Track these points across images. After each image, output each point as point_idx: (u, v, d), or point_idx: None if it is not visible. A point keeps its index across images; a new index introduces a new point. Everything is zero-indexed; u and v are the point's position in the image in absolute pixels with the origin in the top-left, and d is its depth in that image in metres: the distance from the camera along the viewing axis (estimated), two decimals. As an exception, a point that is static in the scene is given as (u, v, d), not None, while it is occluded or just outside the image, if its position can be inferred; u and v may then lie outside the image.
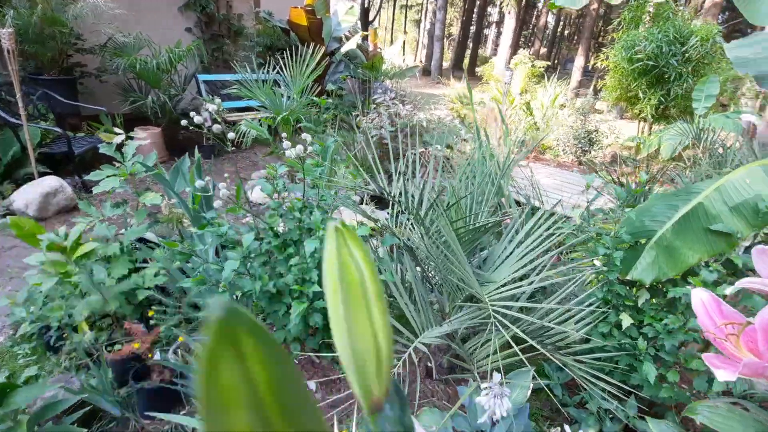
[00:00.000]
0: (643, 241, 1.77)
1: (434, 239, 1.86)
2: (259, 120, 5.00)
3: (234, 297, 1.78)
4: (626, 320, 1.79)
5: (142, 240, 2.66)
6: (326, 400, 2.10)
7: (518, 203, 2.70)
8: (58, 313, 2.03)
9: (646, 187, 4.39)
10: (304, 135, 2.14)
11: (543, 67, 12.12)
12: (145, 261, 2.39)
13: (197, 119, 5.03)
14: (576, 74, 13.77)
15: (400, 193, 2.18)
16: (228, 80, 6.23)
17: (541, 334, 1.77)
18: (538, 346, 1.47)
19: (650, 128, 7.03)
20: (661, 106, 6.24)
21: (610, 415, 1.86)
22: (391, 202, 2.44)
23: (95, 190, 2.02)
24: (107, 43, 4.85)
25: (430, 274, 2.11)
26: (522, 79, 8.26)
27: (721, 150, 4.39)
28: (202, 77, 5.86)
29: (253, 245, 1.77)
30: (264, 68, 4.86)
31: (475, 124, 2.41)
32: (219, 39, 6.73)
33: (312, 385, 2.16)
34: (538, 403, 2.20)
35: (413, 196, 2.20)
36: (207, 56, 5.47)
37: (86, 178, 2.11)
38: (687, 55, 5.75)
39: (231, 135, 2.29)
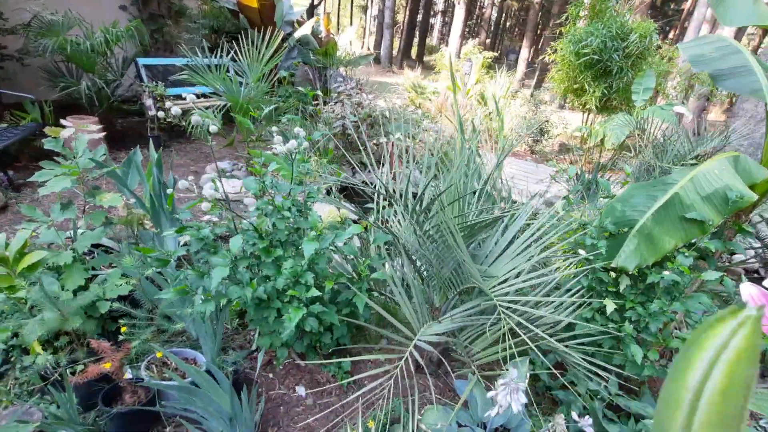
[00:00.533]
0: (625, 230, 1.86)
1: (430, 234, 1.83)
2: (213, 109, 4.67)
3: (218, 305, 1.64)
4: (610, 305, 1.88)
5: (95, 245, 2.39)
6: (318, 405, 2.02)
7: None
8: (4, 335, 1.76)
9: (599, 175, 4.66)
10: (274, 128, 2.00)
11: (491, 58, 12.46)
12: (94, 268, 2.15)
13: (148, 104, 4.62)
14: (521, 66, 14.31)
15: (390, 188, 2.12)
16: (173, 65, 5.76)
17: (534, 324, 1.81)
18: (545, 336, 1.50)
19: (592, 119, 7.48)
20: (605, 98, 6.64)
21: (597, 395, 1.96)
22: (376, 196, 2.37)
23: (43, 191, 1.76)
24: (32, 22, 4.25)
25: (419, 269, 2.08)
26: (477, 70, 8.43)
27: (661, 139, 4.76)
28: (142, 61, 5.35)
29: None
30: (216, 53, 4.53)
31: (458, 116, 2.39)
32: (159, 19, 6.18)
33: (302, 390, 2.07)
34: (524, 389, 2.27)
35: (403, 191, 2.16)
36: (146, 37, 4.98)
37: (32, 178, 1.83)
38: (627, 50, 6.15)
39: (175, 110, 2.07)
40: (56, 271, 2.08)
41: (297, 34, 7.14)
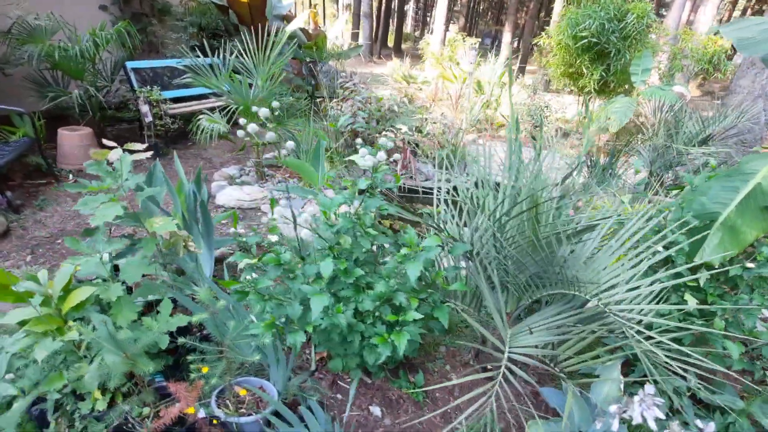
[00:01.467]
0: (707, 222, 1.82)
1: (514, 240, 1.75)
2: (220, 111, 4.44)
3: (305, 333, 1.52)
4: (691, 301, 1.85)
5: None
6: (397, 425, 1.93)
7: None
8: (59, 383, 1.60)
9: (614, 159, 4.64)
10: (358, 140, 1.87)
11: (475, 44, 12.37)
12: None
13: (144, 110, 4.40)
14: (504, 50, 14.30)
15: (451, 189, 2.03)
16: (164, 66, 5.45)
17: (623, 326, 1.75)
18: (655, 334, 1.44)
19: (588, 102, 7.51)
20: (602, 81, 6.66)
21: (680, 391, 1.93)
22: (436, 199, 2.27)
23: (94, 221, 1.58)
24: (12, 29, 3.91)
25: (490, 276, 2.00)
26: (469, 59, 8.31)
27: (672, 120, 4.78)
28: (131, 64, 5.03)
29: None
30: (217, 53, 4.28)
31: (513, 114, 2.29)
32: (142, 19, 5.82)
33: (377, 410, 1.97)
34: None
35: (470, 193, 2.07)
36: (136, 39, 4.67)
37: (75, 207, 1.65)
38: (625, 31, 6.15)
39: (252, 127, 1.93)
40: (99, 305, 1.92)
41: (289, 28, 6.87)
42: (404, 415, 1.99)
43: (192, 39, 5.89)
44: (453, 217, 2.26)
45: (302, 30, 8.04)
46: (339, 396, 2.07)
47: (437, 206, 2.23)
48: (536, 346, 1.64)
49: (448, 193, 2.27)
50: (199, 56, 4.99)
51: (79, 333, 1.63)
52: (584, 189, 3.26)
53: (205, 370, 1.47)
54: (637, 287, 1.53)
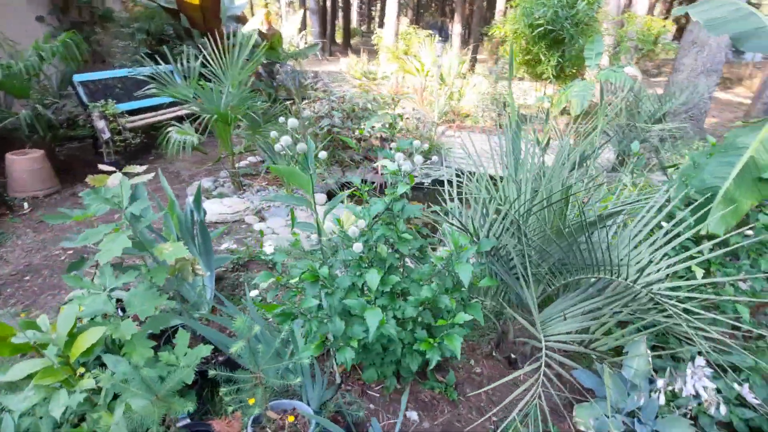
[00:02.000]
0: (708, 196, 1.93)
1: (539, 230, 1.77)
2: (186, 121, 4.19)
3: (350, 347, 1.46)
4: (699, 272, 1.96)
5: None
6: (437, 427, 1.92)
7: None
8: (82, 438, 1.45)
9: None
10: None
11: (430, 34, 12.46)
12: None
13: (101, 126, 4.15)
14: (456, 41, 14.53)
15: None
16: (117, 77, 5.07)
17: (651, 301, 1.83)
18: (693, 307, 1.51)
19: (546, 88, 7.80)
20: (559, 66, 6.93)
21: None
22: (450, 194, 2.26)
23: (101, 257, 1.43)
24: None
25: (512, 267, 2.02)
26: (431, 51, 8.38)
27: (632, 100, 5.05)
28: (78, 78, 4.64)
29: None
30: (180, 59, 4.03)
31: (513, 107, 2.31)
32: (83, 27, 5.37)
33: (413, 415, 1.95)
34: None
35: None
36: (84, 50, 4.28)
37: (79, 242, 1.48)
38: (576, 18, 6.42)
39: (285, 140, 1.81)
40: (104, 345, 1.77)
41: (246, 29, 6.60)
42: (441, 416, 1.98)
43: (141, 46, 5.51)
44: (461, 212, 2.26)
45: (258, 31, 7.76)
46: (371, 405, 2.03)
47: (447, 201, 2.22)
48: (569, 333, 1.67)
49: (450, 185, 2.27)
50: (154, 64, 4.68)
51: (96, 380, 1.49)
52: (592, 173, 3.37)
53: (251, 401, 1.38)
54: (671, 265, 1.60)
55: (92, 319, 1.75)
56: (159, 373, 1.61)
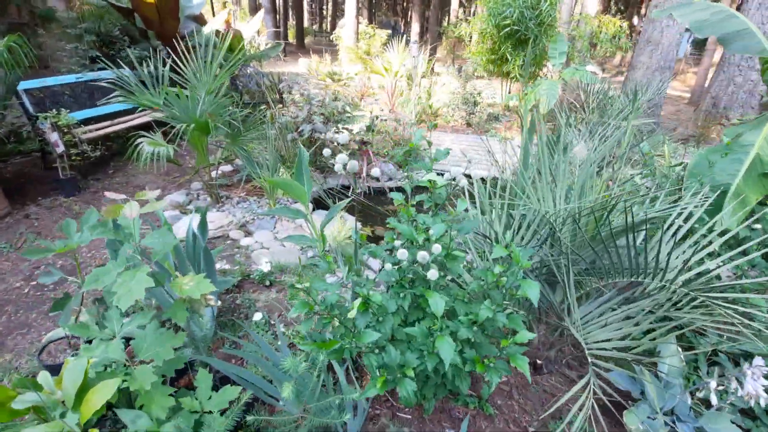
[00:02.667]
0: (718, 192, 1.99)
1: (573, 236, 1.74)
2: (157, 130, 3.85)
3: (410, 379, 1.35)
4: (713, 265, 2.02)
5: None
6: (479, 445, 1.85)
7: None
8: None
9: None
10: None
11: (387, 35, 12.45)
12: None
13: (53, 139, 3.84)
14: (415, 40, 14.61)
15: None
16: (66, 84, 4.59)
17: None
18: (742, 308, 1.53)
19: (511, 86, 7.99)
20: (524, 65, 7.11)
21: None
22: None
23: (122, 303, 1.22)
24: None
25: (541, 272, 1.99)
26: (400, 51, 8.32)
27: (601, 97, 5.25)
28: (23, 85, 4.14)
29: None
30: (145, 63, 3.69)
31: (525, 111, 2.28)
32: (23, 29, 4.81)
33: (453, 435, 1.87)
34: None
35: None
36: (31, 54, 3.79)
37: (86, 285, 1.25)
38: (540, 18, 6.61)
39: (327, 152, 1.66)
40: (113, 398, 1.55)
41: (208, 29, 6.22)
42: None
43: (91, 49, 5.03)
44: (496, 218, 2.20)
45: (216, 31, 7.35)
46: (405, 429, 1.93)
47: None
48: (609, 339, 1.66)
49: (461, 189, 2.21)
50: (105, 68, 4.27)
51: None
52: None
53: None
54: (720, 265, 1.62)
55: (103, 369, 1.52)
56: (185, 424, 1.43)
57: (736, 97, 6.12)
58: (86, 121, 4.63)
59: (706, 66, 10.04)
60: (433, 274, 1.29)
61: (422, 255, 1.33)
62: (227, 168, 5.00)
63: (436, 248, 1.36)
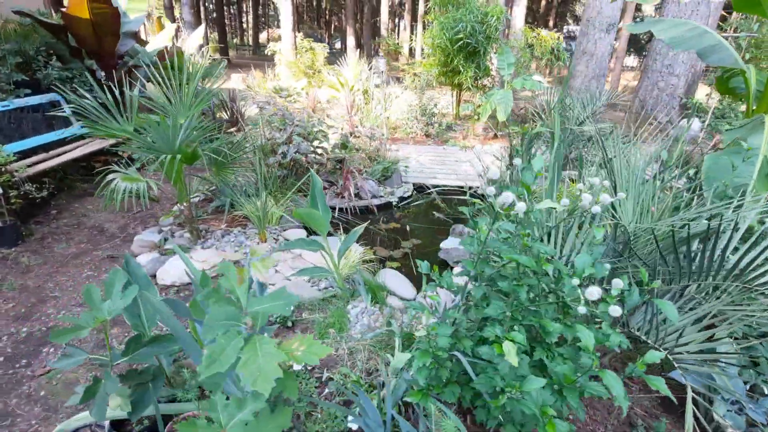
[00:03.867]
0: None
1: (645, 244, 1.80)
2: (130, 161, 3.37)
3: None
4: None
5: None
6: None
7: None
8: None
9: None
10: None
11: (310, 47, 12.28)
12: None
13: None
14: (351, 54, 14.65)
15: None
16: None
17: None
18: None
19: (461, 96, 8.30)
20: (475, 77, 7.43)
21: None
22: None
23: (261, 387, 1.00)
24: None
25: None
26: (355, 65, 8.22)
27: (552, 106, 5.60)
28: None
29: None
30: (107, 85, 3.22)
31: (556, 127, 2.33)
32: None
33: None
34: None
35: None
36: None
37: (203, 376, 0.99)
38: (488, 32, 6.96)
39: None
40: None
41: (152, 48, 5.65)
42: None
43: (15, 72, 4.31)
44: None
45: (164, 49, 6.73)
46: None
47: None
48: (686, 343, 1.72)
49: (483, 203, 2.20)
50: (32, 93, 3.70)
51: None
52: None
53: None
54: None
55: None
56: None
57: (660, 99, 6.93)
58: (20, 155, 3.95)
59: (617, 72, 11.31)
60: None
61: (592, 290, 1.21)
62: (195, 199, 4.55)
63: (574, 282, 1.31)
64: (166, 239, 3.65)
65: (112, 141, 4.88)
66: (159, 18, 7.23)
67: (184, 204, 3.34)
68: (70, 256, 3.44)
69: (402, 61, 16.53)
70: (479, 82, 7.66)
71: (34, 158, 4.14)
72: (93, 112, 2.94)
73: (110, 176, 2.99)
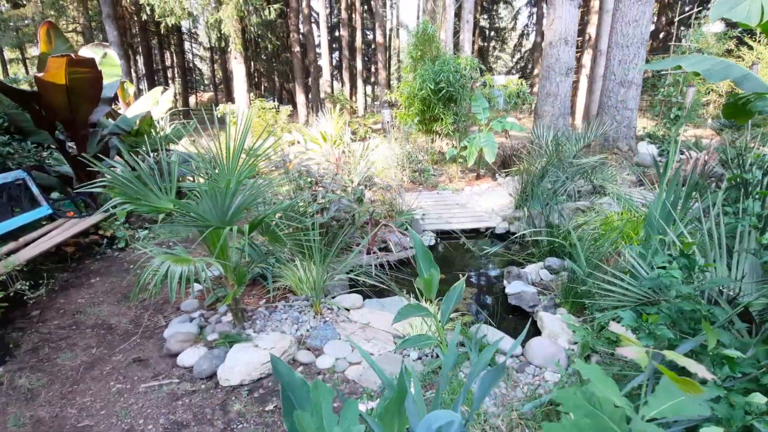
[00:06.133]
0: None
1: None
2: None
3: None
4: None
5: None
6: None
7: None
8: None
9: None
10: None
11: (273, 107, 12.26)
12: None
13: None
14: (302, 110, 14.70)
15: None
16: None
17: None
18: None
19: (440, 142, 8.53)
20: (454, 123, 7.70)
21: None
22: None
23: None
24: None
25: None
26: (335, 119, 8.09)
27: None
28: None
29: None
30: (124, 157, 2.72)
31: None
32: None
33: None
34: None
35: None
36: None
37: None
38: (463, 80, 7.33)
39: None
40: None
41: (133, 113, 5.08)
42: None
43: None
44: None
45: (112, 115, 6.11)
46: None
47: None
48: None
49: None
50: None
51: None
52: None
53: None
54: None
55: None
56: None
57: (619, 131, 7.66)
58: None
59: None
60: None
61: None
62: (212, 274, 3.96)
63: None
64: (201, 327, 3.05)
65: (94, 221, 4.18)
66: (123, 84, 6.63)
67: (233, 285, 2.82)
68: (83, 368, 2.71)
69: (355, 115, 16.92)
70: (459, 125, 7.92)
71: (5, 248, 3.37)
72: (131, 186, 2.44)
73: (155, 261, 2.44)
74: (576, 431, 0.99)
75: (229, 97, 24.74)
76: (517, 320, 3.34)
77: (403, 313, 2.36)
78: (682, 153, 8.01)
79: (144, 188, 2.54)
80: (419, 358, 2.76)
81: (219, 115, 13.59)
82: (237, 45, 10.72)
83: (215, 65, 31.53)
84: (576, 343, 2.77)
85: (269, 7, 11.13)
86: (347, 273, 3.96)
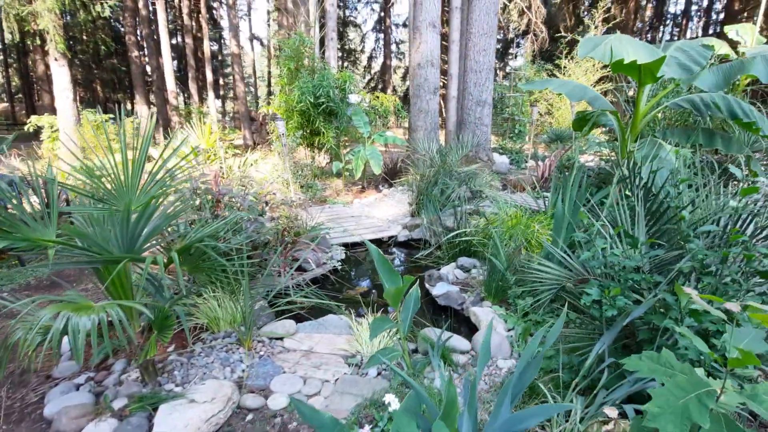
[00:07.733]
0: None
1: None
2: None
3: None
4: None
5: None
6: None
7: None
8: None
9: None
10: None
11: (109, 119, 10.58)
12: None
13: None
14: (144, 122, 12.83)
15: None
16: None
17: None
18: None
19: (322, 156, 8.42)
20: (336, 136, 7.73)
21: None
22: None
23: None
24: None
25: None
26: (206, 132, 7.05)
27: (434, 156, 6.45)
28: None
29: None
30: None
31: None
32: None
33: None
34: None
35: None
36: None
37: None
38: (342, 95, 7.43)
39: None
40: None
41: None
42: None
43: None
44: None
45: None
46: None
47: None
48: None
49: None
50: None
51: None
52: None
53: None
54: None
55: None
56: None
57: (478, 143, 8.80)
58: None
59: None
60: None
61: None
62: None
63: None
64: (97, 395, 2.33)
65: None
66: None
67: (142, 333, 2.24)
68: None
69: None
70: (340, 139, 7.96)
71: None
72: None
73: (43, 313, 1.77)
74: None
75: (36, 109, 19.99)
76: (450, 319, 3.48)
77: (376, 327, 2.23)
78: (526, 161, 9.63)
79: (9, 216, 1.84)
80: (379, 374, 2.64)
81: (32, 129, 10.86)
82: (59, 44, 8.67)
83: (9, 70, 25.15)
84: (511, 329, 3.03)
85: (102, 3, 9.36)
86: (265, 298, 3.55)
